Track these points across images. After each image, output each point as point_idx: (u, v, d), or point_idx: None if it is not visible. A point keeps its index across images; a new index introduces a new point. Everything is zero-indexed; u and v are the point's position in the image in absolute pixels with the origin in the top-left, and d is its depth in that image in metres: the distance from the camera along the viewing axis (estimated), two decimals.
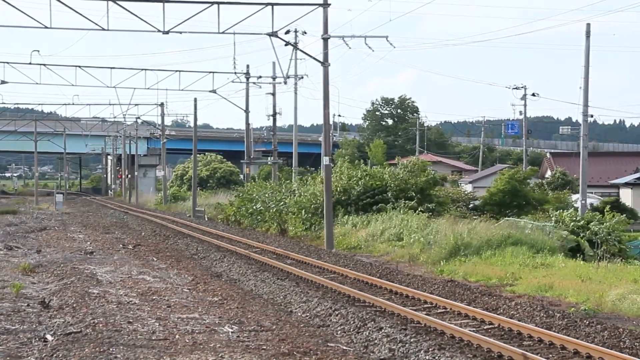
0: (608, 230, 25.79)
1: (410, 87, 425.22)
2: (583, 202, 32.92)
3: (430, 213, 30.08)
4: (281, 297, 17.27)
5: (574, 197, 42.68)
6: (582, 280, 18.22)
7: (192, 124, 60.49)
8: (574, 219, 27.54)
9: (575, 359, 11.66)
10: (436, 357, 11.43)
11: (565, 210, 30.21)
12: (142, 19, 27.19)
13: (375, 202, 32.25)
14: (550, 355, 11.76)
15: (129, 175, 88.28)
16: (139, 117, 75.44)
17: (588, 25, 33.49)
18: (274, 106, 52.15)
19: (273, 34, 28.89)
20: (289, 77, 44.52)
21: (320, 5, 27.93)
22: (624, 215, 29.63)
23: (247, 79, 49.70)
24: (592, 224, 26.39)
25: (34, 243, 30.41)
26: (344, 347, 12.31)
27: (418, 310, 15.05)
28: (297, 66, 49.91)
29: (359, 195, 32.54)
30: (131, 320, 13.92)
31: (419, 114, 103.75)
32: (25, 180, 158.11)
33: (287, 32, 33.28)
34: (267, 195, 37.77)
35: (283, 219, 35.26)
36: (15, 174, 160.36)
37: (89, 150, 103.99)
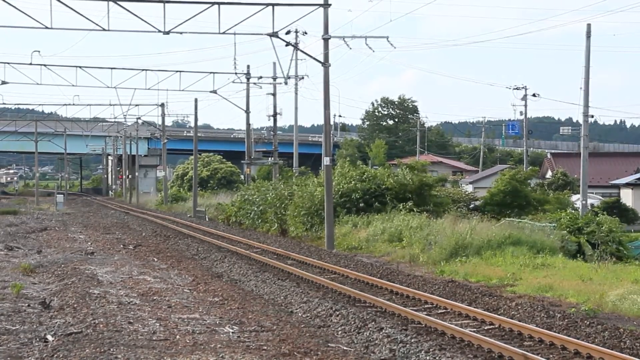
0: (605, 232, 25.79)
1: (411, 88, 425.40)
2: (584, 202, 32.92)
3: (428, 214, 30.08)
4: (282, 297, 17.27)
5: (575, 197, 42.67)
6: (582, 280, 18.23)
7: (192, 125, 60.53)
8: (573, 219, 27.57)
9: (576, 359, 11.66)
10: (437, 358, 11.43)
11: (563, 212, 30.23)
12: (142, 20, 27.24)
13: (372, 203, 32.29)
14: (551, 356, 11.76)
15: (130, 176, 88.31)
16: (139, 118, 75.48)
17: (589, 25, 33.52)
18: (275, 106, 52.19)
19: (274, 35, 28.91)
20: (289, 78, 44.48)
21: (320, 5, 27.95)
22: (616, 217, 29.57)
23: (248, 79, 49.74)
24: (586, 223, 26.45)
25: (35, 243, 30.42)
26: (345, 348, 12.31)
27: (419, 311, 15.05)
28: (297, 66, 50.05)
29: (357, 198, 32.56)
30: (132, 321, 13.92)
31: (419, 115, 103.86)
32: (25, 181, 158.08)
33: (288, 32, 33.22)
34: (268, 195, 37.78)
35: (284, 220, 35.29)
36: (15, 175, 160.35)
37: (89, 150, 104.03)
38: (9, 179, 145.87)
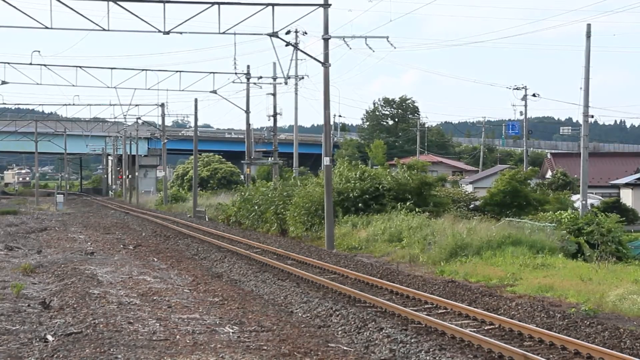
0: (604, 231, 25.80)
1: (411, 88, 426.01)
2: (584, 202, 32.91)
3: (429, 214, 30.09)
4: (282, 297, 17.27)
5: (575, 197, 42.66)
6: (582, 280, 18.22)
7: (192, 125, 60.53)
8: (573, 220, 27.59)
9: (576, 359, 11.66)
10: (437, 358, 11.43)
11: (564, 212, 30.25)
12: (142, 20, 27.24)
13: (370, 203, 32.30)
14: (551, 356, 11.76)
15: (130, 176, 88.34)
16: (139, 118, 75.51)
17: (589, 25, 33.50)
18: (275, 107, 52.20)
19: (274, 35, 28.91)
20: (289, 78, 44.59)
21: (320, 5, 27.95)
22: (616, 213, 29.59)
23: (248, 79, 49.75)
24: (586, 223, 26.47)
25: (35, 243, 30.41)
26: (345, 348, 12.31)
27: (419, 311, 15.05)
28: (297, 67, 50.04)
29: (355, 198, 32.58)
30: (132, 321, 13.91)
31: (419, 115, 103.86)
32: None
33: (288, 32, 33.23)
34: (268, 195, 37.82)
35: (284, 220, 35.30)
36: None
37: (89, 150, 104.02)
38: (20, 179, 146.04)
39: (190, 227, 40.02)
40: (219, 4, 26.46)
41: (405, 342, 12.32)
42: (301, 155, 59.74)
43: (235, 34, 28.86)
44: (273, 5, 27.06)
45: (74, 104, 63.12)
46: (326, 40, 28.98)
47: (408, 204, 31.21)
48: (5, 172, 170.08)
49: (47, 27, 27.21)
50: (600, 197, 48.83)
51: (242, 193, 43.40)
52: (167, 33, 27.40)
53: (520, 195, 38.62)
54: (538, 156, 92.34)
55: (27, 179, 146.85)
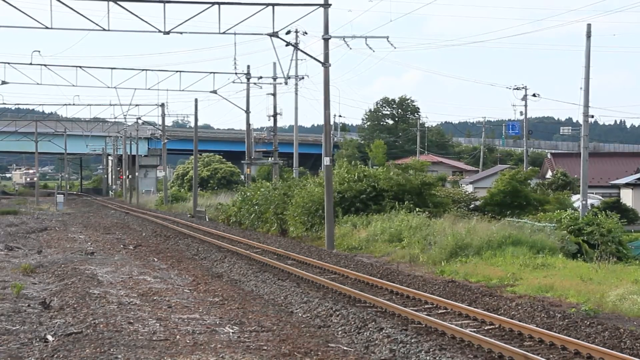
0: (604, 232, 25.80)
1: (411, 88, 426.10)
2: (584, 202, 32.88)
3: (429, 214, 30.08)
4: (282, 297, 17.27)
5: (575, 197, 42.65)
6: (582, 280, 18.22)
7: (192, 125, 60.55)
8: (573, 220, 27.59)
9: (576, 359, 11.66)
10: (437, 358, 11.43)
11: (564, 212, 30.24)
12: (142, 20, 27.25)
13: (369, 204, 32.30)
14: (551, 356, 11.76)
15: (130, 176, 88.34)
16: (139, 118, 75.50)
17: (589, 25, 33.46)
18: (275, 107, 52.23)
19: (274, 35, 28.91)
20: (289, 78, 44.59)
21: (320, 5, 27.95)
22: (617, 214, 29.60)
23: (248, 79, 49.77)
24: (586, 223, 26.48)
25: (35, 243, 30.42)
26: (345, 348, 12.31)
27: (419, 311, 15.05)
28: (297, 67, 50.04)
29: (351, 198, 32.58)
30: (132, 321, 13.91)
31: (419, 115, 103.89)
32: None
33: (288, 32, 33.21)
34: (268, 195, 37.82)
35: (284, 220, 35.30)
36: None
37: (89, 150, 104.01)
38: (28, 179, 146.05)
39: (191, 227, 40.02)
40: (219, 4, 26.47)
41: (405, 342, 12.32)
42: (301, 155, 59.76)
43: (235, 34, 28.90)
44: (273, 5, 27.07)
45: (74, 104, 63.08)
46: (326, 40, 28.98)
47: (407, 203, 31.23)
48: (12, 172, 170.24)
49: (47, 27, 27.22)
50: (600, 197, 48.81)
51: (242, 193, 43.43)
52: (167, 33, 27.41)
53: (520, 195, 38.63)
54: (538, 156, 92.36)
55: (35, 179, 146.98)
